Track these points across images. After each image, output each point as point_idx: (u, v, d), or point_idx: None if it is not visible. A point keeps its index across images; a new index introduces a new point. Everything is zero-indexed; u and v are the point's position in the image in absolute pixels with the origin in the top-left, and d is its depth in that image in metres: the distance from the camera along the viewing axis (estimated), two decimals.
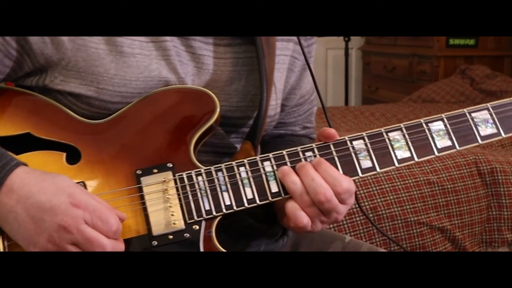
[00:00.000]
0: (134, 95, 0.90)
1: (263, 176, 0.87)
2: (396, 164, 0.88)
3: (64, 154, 0.88)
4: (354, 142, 0.88)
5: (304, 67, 1.07)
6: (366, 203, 1.91)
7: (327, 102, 5.00)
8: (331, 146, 0.88)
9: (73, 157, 0.88)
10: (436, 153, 0.89)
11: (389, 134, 0.89)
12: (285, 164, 0.87)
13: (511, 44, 4.13)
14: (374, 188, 1.93)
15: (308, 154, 0.88)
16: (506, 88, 3.49)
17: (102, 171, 0.88)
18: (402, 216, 1.92)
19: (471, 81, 3.74)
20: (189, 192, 0.86)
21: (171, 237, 0.85)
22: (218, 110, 0.90)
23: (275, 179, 0.87)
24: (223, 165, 0.87)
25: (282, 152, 0.88)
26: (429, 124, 0.90)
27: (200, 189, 0.86)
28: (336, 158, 0.87)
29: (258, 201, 0.86)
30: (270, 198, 0.86)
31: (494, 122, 0.91)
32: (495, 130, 0.91)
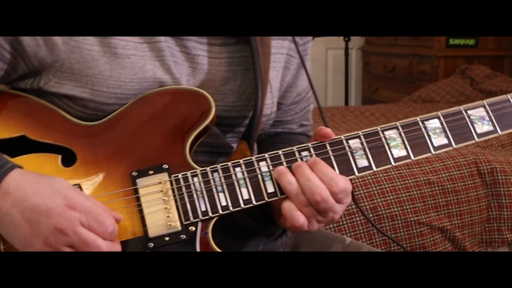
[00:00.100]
0: (129, 96, 0.89)
1: (259, 176, 0.86)
2: (393, 163, 0.87)
3: (59, 157, 0.88)
4: (350, 141, 0.88)
5: (300, 65, 1.07)
6: (366, 203, 1.91)
7: (327, 102, 5.00)
8: (327, 146, 0.88)
9: (69, 159, 0.88)
10: (433, 151, 0.89)
11: (385, 132, 0.88)
12: (281, 164, 0.86)
13: (511, 44, 4.12)
14: (374, 188, 1.93)
15: (304, 153, 0.87)
16: (506, 88, 3.48)
17: (97, 173, 0.87)
18: (402, 216, 1.92)
19: (471, 81, 3.74)
20: (185, 193, 0.86)
21: (167, 238, 0.85)
22: (213, 110, 0.89)
23: (271, 179, 0.86)
24: (218, 166, 0.87)
25: (278, 152, 0.87)
26: (425, 122, 0.89)
27: (196, 190, 0.86)
28: (332, 158, 0.87)
29: (254, 202, 0.86)
30: (266, 199, 0.86)
31: (491, 119, 0.91)
32: (491, 128, 0.90)
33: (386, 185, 1.95)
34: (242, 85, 0.97)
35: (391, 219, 1.91)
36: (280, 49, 1.03)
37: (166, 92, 0.90)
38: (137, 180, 0.87)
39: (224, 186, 0.86)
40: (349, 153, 0.87)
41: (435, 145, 0.89)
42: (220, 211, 0.85)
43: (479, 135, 0.90)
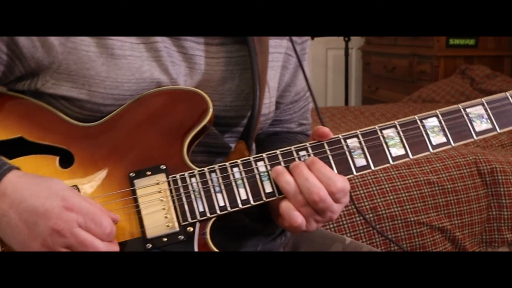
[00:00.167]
0: (126, 97, 0.89)
1: (257, 176, 0.86)
2: (391, 162, 0.87)
3: (57, 158, 0.88)
4: (348, 141, 0.88)
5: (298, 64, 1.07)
6: (366, 203, 1.91)
7: (327, 102, 5.00)
8: (325, 145, 0.87)
9: (66, 160, 0.88)
10: (431, 150, 0.88)
11: (383, 131, 0.88)
12: (279, 164, 0.86)
13: (511, 44, 4.12)
14: (374, 188, 1.93)
15: (302, 153, 0.87)
16: (506, 88, 3.48)
17: (95, 174, 0.87)
18: (402, 216, 1.92)
19: (471, 81, 3.74)
20: (182, 194, 0.86)
21: (165, 239, 0.84)
22: (211, 110, 0.89)
23: (269, 179, 0.86)
24: (216, 166, 0.87)
25: (276, 152, 0.87)
26: (423, 121, 0.89)
27: (193, 190, 0.86)
28: (330, 157, 0.87)
29: (252, 202, 0.85)
30: (264, 199, 0.86)
31: (489, 117, 0.90)
32: (490, 126, 0.90)
33: (386, 185, 1.95)
34: (240, 85, 0.97)
35: (391, 219, 1.91)
36: (278, 48, 1.03)
37: (163, 93, 0.90)
38: (135, 181, 0.86)
39: (222, 187, 0.86)
40: (347, 153, 0.87)
41: (434, 143, 0.88)
42: (218, 212, 0.85)
43: (478, 133, 0.90)
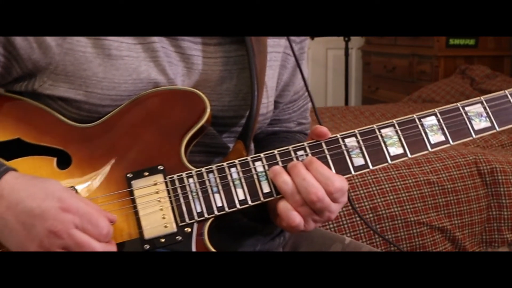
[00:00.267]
0: (123, 97, 0.89)
1: (255, 176, 0.86)
2: (389, 161, 0.87)
3: (55, 159, 0.87)
4: (346, 140, 0.87)
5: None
6: (366, 203, 1.91)
7: (327, 102, 5.00)
8: (323, 145, 0.87)
9: (64, 162, 0.87)
10: (430, 149, 0.88)
11: (382, 130, 0.88)
12: (277, 163, 0.86)
13: (511, 44, 4.12)
14: (374, 188, 1.93)
15: (300, 153, 0.87)
16: (506, 88, 3.47)
17: (92, 175, 0.87)
18: (402, 216, 1.92)
19: (471, 81, 3.74)
20: (180, 195, 0.85)
21: (163, 240, 0.84)
22: (208, 110, 0.89)
23: (267, 179, 0.86)
24: (214, 166, 0.86)
25: (273, 152, 0.87)
26: (422, 120, 0.89)
27: (191, 191, 0.86)
28: (328, 157, 0.86)
29: (250, 202, 0.85)
30: (262, 199, 0.85)
31: (488, 116, 0.90)
32: (489, 124, 0.90)
33: (386, 185, 1.95)
34: (238, 85, 0.96)
35: (391, 219, 1.91)
36: (276, 47, 1.03)
37: (161, 93, 0.90)
38: (132, 182, 0.86)
39: (220, 187, 0.86)
40: (345, 152, 0.87)
41: (432, 142, 0.88)
42: (216, 212, 0.85)
43: (477, 132, 0.89)
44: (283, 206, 0.83)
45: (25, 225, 0.77)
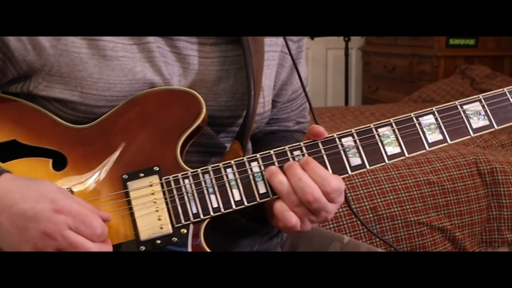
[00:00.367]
0: (119, 98, 0.88)
1: (251, 177, 0.85)
2: (386, 161, 0.86)
3: (50, 161, 0.87)
4: (343, 139, 0.87)
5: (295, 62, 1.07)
6: (366, 203, 1.91)
7: (327, 102, 5.00)
8: (320, 144, 0.86)
9: (59, 163, 0.87)
10: (427, 148, 0.87)
11: (379, 130, 0.87)
12: (273, 164, 0.85)
13: (511, 44, 4.12)
14: (374, 188, 1.93)
15: (296, 153, 0.86)
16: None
17: (88, 176, 0.86)
18: (402, 216, 1.92)
19: (471, 81, 3.74)
20: (176, 196, 0.85)
21: (159, 241, 0.84)
22: (204, 110, 0.88)
23: (263, 179, 0.85)
24: (209, 167, 0.86)
25: (269, 152, 0.86)
26: (419, 118, 0.88)
27: (187, 192, 0.85)
28: (324, 157, 0.86)
29: (246, 203, 0.85)
30: (258, 199, 0.85)
31: (487, 114, 0.89)
32: (487, 122, 0.89)
33: (386, 185, 1.95)
34: (235, 85, 0.96)
35: (391, 219, 1.91)
36: (273, 46, 1.02)
37: (156, 93, 0.90)
38: (128, 183, 0.86)
39: (215, 188, 0.85)
40: (341, 152, 0.86)
41: (430, 141, 0.87)
42: (212, 213, 0.84)
43: (475, 130, 0.89)
44: (279, 207, 0.83)
45: (18, 227, 0.77)
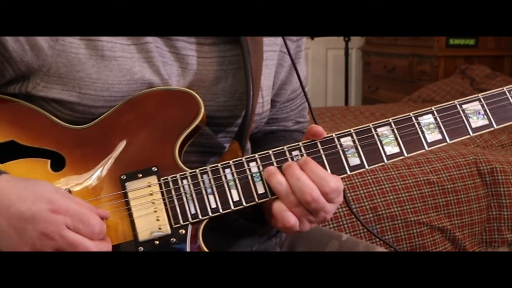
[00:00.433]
0: (117, 98, 0.88)
1: (249, 177, 0.85)
2: (385, 160, 0.86)
3: (49, 161, 0.87)
4: (342, 139, 0.86)
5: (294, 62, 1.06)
6: (366, 203, 1.91)
7: (327, 102, 5.00)
8: (318, 144, 0.86)
9: (58, 164, 0.87)
10: (426, 148, 0.87)
11: (378, 129, 0.87)
12: (271, 164, 0.85)
13: (511, 44, 4.12)
14: (374, 188, 1.93)
15: (295, 153, 0.86)
16: None
17: (86, 177, 0.86)
18: (402, 216, 1.92)
19: (471, 81, 3.74)
20: (174, 196, 0.85)
21: (157, 242, 0.84)
22: (202, 110, 0.88)
23: (261, 180, 0.85)
24: (208, 168, 0.86)
25: (268, 152, 0.86)
26: (418, 118, 0.88)
27: (185, 192, 0.85)
28: (323, 157, 0.86)
29: (244, 203, 0.84)
30: (256, 200, 0.85)
31: (486, 113, 0.89)
32: (486, 122, 0.89)
33: (386, 185, 1.95)
34: (234, 85, 0.96)
35: (391, 219, 1.91)
36: (272, 46, 1.02)
37: (155, 93, 0.89)
38: (126, 184, 0.86)
39: (214, 188, 0.85)
40: (340, 152, 0.86)
41: (429, 141, 0.87)
42: (210, 214, 0.84)
43: (474, 130, 0.88)
44: (278, 207, 0.83)
45: (16, 228, 0.77)
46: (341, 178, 0.85)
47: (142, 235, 0.84)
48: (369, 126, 0.87)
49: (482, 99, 0.90)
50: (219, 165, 0.86)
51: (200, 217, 0.84)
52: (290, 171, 0.83)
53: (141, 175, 0.86)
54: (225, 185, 0.85)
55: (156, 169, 0.86)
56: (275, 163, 0.85)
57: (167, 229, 0.84)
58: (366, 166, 0.86)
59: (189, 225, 0.85)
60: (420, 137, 0.87)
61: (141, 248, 0.84)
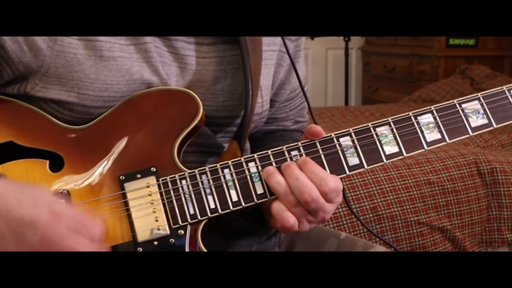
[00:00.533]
0: (116, 99, 0.88)
1: (248, 177, 0.85)
2: (384, 160, 0.86)
3: (47, 162, 0.87)
4: (341, 139, 0.86)
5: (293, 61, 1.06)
6: (366, 203, 1.91)
7: (327, 102, 5.00)
8: (317, 144, 0.86)
9: (57, 164, 0.87)
10: (425, 147, 0.87)
11: (377, 129, 0.87)
12: (271, 164, 0.85)
13: (511, 44, 4.12)
14: (374, 188, 1.93)
15: (294, 153, 0.86)
16: None
17: (85, 177, 0.86)
18: (402, 216, 1.92)
19: (471, 81, 3.74)
20: (173, 197, 0.85)
21: (156, 243, 0.84)
22: (201, 110, 0.88)
23: (260, 180, 0.85)
24: (207, 168, 0.85)
25: (267, 152, 0.86)
26: (417, 117, 0.87)
27: (184, 193, 0.85)
28: (322, 157, 0.85)
29: (243, 204, 0.84)
30: (255, 200, 0.84)
31: (485, 113, 0.89)
32: (486, 121, 0.88)
33: (386, 185, 1.95)
34: (233, 84, 0.96)
35: (391, 219, 1.91)
36: (271, 46, 1.02)
37: (153, 93, 0.89)
38: (125, 184, 0.85)
39: (213, 189, 0.85)
40: (339, 152, 0.86)
41: (428, 140, 0.87)
42: (209, 214, 0.84)
43: (474, 129, 0.88)
44: (277, 207, 0.83)
45: (15, 233, 0.76)
46: (341, 178, 0.85)
47: (141, 236, 0.84)
48: (368, 125, 0.87)
49: (481, 98, 0.89)
50: (218, 165, 0.86)
51: (199, 217, 0.84)
52: (289, 171, 0.83)
53: (140, 176, 0.86)
54: (224, 185, 0.85)
55: (155, 170, 0.86)
56: (274, 163, 0.85)
57: (166, 230, 0.84)
58: (365, 166, 0.86)
59: (188, 225, 0.84)
60: (419, 137, 0.87)
61: (140, 249, 0.84)
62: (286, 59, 1.05)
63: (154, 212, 0.85)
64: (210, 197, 0.85)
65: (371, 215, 1.90)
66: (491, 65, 3.94)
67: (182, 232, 0.84)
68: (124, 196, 0.85)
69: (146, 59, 0.90)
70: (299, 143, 0.86)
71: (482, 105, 0.89)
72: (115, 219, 0.85)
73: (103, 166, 0.87)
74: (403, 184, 1.96)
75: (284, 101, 1.10)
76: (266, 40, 1.00)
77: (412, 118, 0.88)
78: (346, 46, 4.60)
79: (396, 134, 0.87)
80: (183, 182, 0.85)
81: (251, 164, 0.86)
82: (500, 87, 0.91)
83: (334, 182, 0.82)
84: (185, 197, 0.85)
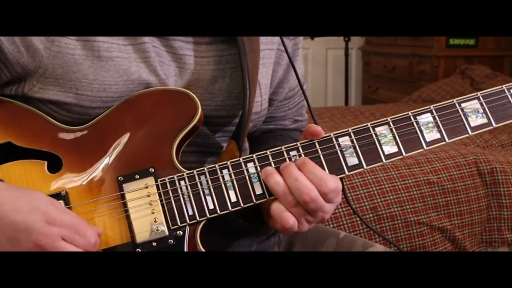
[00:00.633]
0: (114, 99, 0.88)
1: (247, 178, 0.85)
2: (384, 160, 0.85)
3: (46, 163, 0.87)
4: (340, 139, 0.86)
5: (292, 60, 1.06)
6: (366, 203, 1.91)
7: (327, 102, 5.00)
8: (316, 144, 0.86)
9: (55, 165, 0.87)
10: (425, 147, 0.86)
11: (376, 129, 0.86)
12: (269, 164, 0.85)
13: (511, 44, 4.12)
14: (374, 188, 1.93)
15: (292, 153, 0.85)
16: None
17: (83, 178, 0.86)
18: (402, 216, 1.92)
19: (471, 81, 3.74)
20: (171, 198, 0.84)
21: (155, 244, 0.83)
22: (199, 110, 0.88)
23: (259, 180, 0.84)
24: (206, 168, 0.85)
25: (266, 152, 0.85)
26: (417, 117, 0.87)
27: (182, 194, 0.85)
28: (321, 157, 0.85)
29: (242, 204, 0.84)
30: (254, 201, 0.84)
31: (485, 112, 0.88)
32: (485, 120, 0.88)
33: (386, 185, 1.95)
34: (231, 84, 0.96)
35: (391, 219, 1.91)
36: (269, 45, 1.02)
37: (152, 94, 0.89)
38: (124, 185, 0.85)
39: (212, 189, 0.84)
40: (338, 152, 0.85)
41: (428, 140, 0.86)
42: (208, 215, 0.84)
43: (473, 129, 0.88)
44: (276, 208, 0.83)
45: (10, 239, 0.76)
46: (341, 178, 0.85)
47: (140, 237, 0.84)
48: (367, 125, 0.87)
49: (481, 98, 0.89)
50: (216, 166, 0.85)
51: (197, 218, 0.84)
52: (287, 172, 0.83)
53: (138, 176, 0.86)
54: (223, 186, 0.85)
55: (153, 170, 0.86)
56: (272, 164, 0.85)
57: (164, 231, 0.84)
58: (364, 166, 0.86)
59: (187, 226, 0.84)
60: (418, 137, 0.87)
61: (139, 250, 0.84)
62: (284, 57, 1.04)
63: (152, 213, 0.84)
64: (208, 198, 0.84)
65: (371, 215, 1.90)
66: (491, 65, 3.94)
67: (181, 233, 0.84)
68: (122, 197, 0.85)
69: (144, 59, 0.89)
70: (298, 143, 0.86)
71: (481, 104, 0.89)
72: (114, 220, 0.84)
73: (102, 167, 0.87)
74: (403, 184, 1.96)
75: (282, 99, 1.10)
76: (264, 39, 1.00)
77: (411, 117, 0.87)
78: (346, 46, 4.60)
79: (395, 134, 0.86)
80: (182, 183, 0.85)
81: (250, 165, 0.85)
82: (500, 86, 0.91)
83: (333, 182, 0.82)
84: (183, 198, 0.85)
